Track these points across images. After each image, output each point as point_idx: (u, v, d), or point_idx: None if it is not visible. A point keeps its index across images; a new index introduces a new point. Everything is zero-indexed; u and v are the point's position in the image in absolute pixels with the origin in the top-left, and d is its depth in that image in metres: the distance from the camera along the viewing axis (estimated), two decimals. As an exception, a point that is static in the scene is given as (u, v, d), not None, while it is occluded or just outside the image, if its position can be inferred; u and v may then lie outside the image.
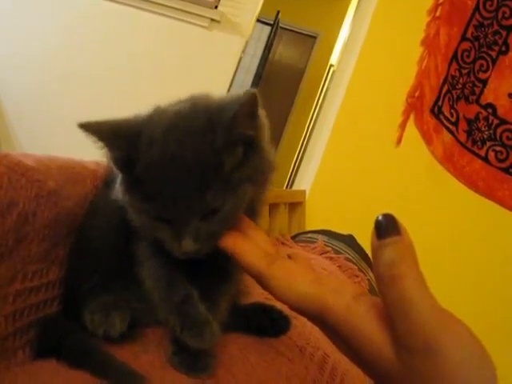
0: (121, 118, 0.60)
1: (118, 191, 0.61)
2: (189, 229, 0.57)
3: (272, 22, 5.51)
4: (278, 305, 0.79)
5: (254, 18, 3.17)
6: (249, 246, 0.56)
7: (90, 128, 0.56)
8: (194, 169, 0.55)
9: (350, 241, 1.79)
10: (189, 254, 0.58)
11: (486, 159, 2.44)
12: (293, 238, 1.92)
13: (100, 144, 0.56)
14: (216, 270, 0.67)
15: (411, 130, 2.51)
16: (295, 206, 2.42)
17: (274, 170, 0.65)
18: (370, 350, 0.44)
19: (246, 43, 3.18)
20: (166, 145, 0.56)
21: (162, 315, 0.61)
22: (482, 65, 2.41)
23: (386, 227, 0.43)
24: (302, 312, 0.51)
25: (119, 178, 0.61)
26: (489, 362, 0.41)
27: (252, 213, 0.65)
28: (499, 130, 2.40)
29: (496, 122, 2.40)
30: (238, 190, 0.58)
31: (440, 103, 2.44)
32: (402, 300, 0.41)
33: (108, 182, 0.71)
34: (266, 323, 0.78)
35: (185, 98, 0.64)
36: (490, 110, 2.42)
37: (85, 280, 0.67)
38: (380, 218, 0.44)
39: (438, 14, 2.41)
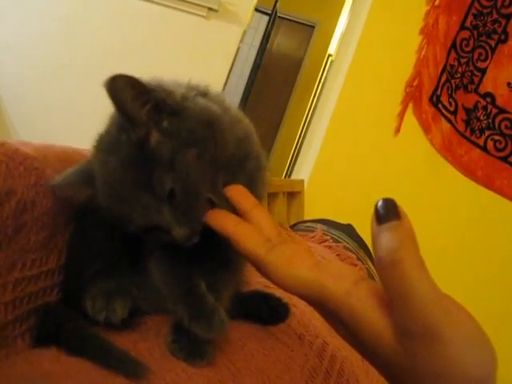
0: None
1: None
2: (165, 218, 0.57)
3: (270, 12, 5.48)
4: (278, 293, 0.79)
5: (252, 8, 3.16)
6: (249, 230, 0.56)
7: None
8: (128, 177, 0.56)
9: (348, 230, 1.79)
10: (187, 239, 0.58)
11: (484, 148, 2.44)
12: (292, 227, 1.92)
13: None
14: (219, 258, 0.68)
15: (410, 119, 2.51)
16: (294, 195, 2.42)
17: (264, 169, 0.68)
18: (370, 335, 0.44)
19: (244, 32, 3.16)
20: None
21: (171, 306, 0.62)
22: (480, 54, 2.41)
23: (386, 212, 0.43)
24: (302, 297, 0.51)
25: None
26: (489, 346, 0.41)
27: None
28: (498, 119, 2.41)
29: (495, 111, 2.40)
30: (175, 164, 0.56)
31: (439, 92, 2.44)
32: (402, 284, 0.41)
33: None
34: (265, 311, 0.78)
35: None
36: (488, 99, 2.41)
37: (86, 266, 0.67)
38: (380, 202, 0.44)
39: (437, 2, 2.40)
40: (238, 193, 0.60)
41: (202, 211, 0.59)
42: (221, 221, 0.57)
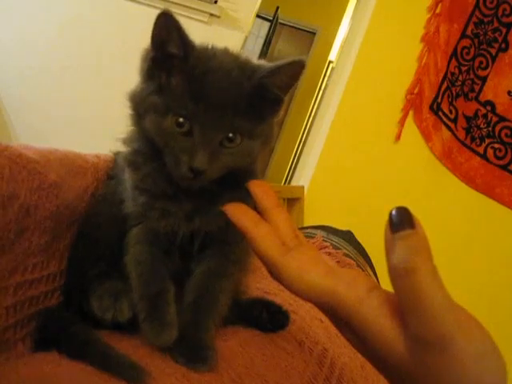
0: None
1: (142, 92, 0.66)
2: (210, 142, 0.61)
3: (271, 18, 5.50)
4: (277, 299, 0.79)
5: (254, 14, 3.16)
6: (266, 232, 0.55)
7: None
8: (234, 91, 0.63)
9: (348, 236, 1.78)
10: (195, 172, 0.61)
11: (484, 156, 2.44)
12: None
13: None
14: (217, 266, 0.69)
15: (410, 126, 2.52)
16: (294, 201, 2.42)
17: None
18: (381, 344, 0.44)
19: (246, 39, 3.17)
20: (217, 61, 0.64)
21: (135, 299, 0.63)
22: (481, 62, 2.42)
23: (401, 220, 0.43)
24: (314, 303, 0.51)
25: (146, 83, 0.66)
26: (500, 358, 0.42)
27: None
28: (498, 128, 2.41)
29: (495, 119, 2.41)
30: (254, 137, 0.65)
31: (439, 100, 2.44)
32: (416, 293, 0.41)
33: (112, 176, 0.77)
34: (265, 318, 0.78)
35: None
36: (489, 108, 2.42)
37: (91, 267, 0.68)
38: (394, 211, 0.43)
39: (438, 10, 2.41)
40: (261, 189, 0.61)
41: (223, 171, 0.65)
42: (241, 216, 0.57)
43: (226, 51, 0.69)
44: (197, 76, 0.62)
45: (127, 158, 0.70)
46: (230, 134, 0.63)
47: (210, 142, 0.61)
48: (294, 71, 0.65)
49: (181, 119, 0.61)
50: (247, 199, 0.60)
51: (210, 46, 0.68)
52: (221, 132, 0.62)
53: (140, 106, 0.65)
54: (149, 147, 0.67)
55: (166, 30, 0.62)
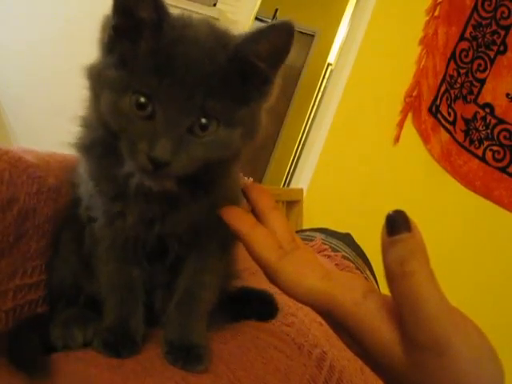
0: None
1: (101, 68, 0.55)
2: (175, 128, 0.52)
3: (270, 20, 5.50)
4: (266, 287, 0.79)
5: (253, 16, 3.17)
6: (263, 235, 0.55)
7: None
8: (207, 65, 0.52)
9: (347, 239, 1.78)
10: (156, 164, 0.51)
11: (483, 159, 2.45)
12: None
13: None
14: (197, 262, 0.67)
15: (409, 128, 2.52)
16: (293, 204, 2.42)
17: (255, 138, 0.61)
18: (378, 347, 0.44)
19: (245, 41, 3.17)
20: (188, 32, 0.54)
21: (104, 307, 0.63)
22: (479, 64, 2.42)
23: (397, 224, 0.43)
24: (311, 306, 0.51)
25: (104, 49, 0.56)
26: (497, 362, 0.42)
27: None
28: (497, 130, 2.41)
29: (494, 121, 2.41)
30: (233, 124, 0.55)
31: (438, 102, 2.45)
32: (412, 297, 0.41)
33: (74, 200, 0.68)
34: (254, 307, 0.78)
35: None
36: (487, 110, 2.42)
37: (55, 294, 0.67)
38: (391, 214, 0.43)
39: (436, 13, 2.41)
40: (257, 193, 0.60)
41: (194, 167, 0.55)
42: (237, 220, 0.56)
43: (204, 21, 0.58)
44: (165, 46, 0.52)
45: (81, 144, 0.62)
46: (203, 120, 0.53)
47: (176, 127, 0.52)
48: (279, 38, 0.54)
49: (142, 99, 0.51)
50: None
51: (186, 15, 0.58)
52: (190, 115, 0.52)
53: (96, 82, 0.56)
54: (106, 134, 0.56)
55: None
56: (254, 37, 0.54)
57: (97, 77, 0.55)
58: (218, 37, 0.55)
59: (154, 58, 0.52)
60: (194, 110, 0.52)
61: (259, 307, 0.78)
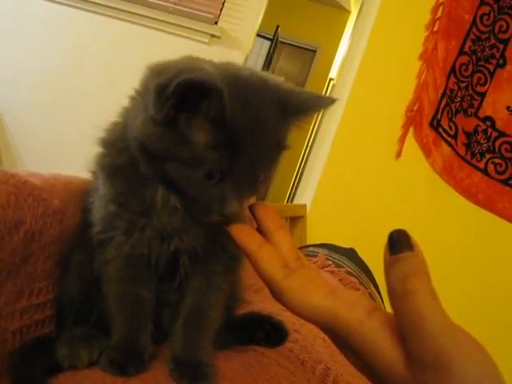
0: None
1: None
2: (241, 194, 0.59)
3: (272, 37, 5.54)
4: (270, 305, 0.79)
5: (254, 33, 3.20)
6: (269, 253, 0.56)
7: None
8: (271, 149, 0.60)
9: (351, 254, 1.79)
10: (226, 216, 0.59)
11: (485, 171, 2.45)
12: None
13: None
14: (204, 281, 0.69)
15: (411, 143, 2.53)
16: (296, 220, 2.42)
17: None
18: (381, 365, 0.44)
19: (247, 58, 3.20)
20: (250, 106, 0.57)
21: (112, 325, 0.64)
22: (479, 78, 2.43)
23: (399, 243, 0.43)
24: (316, 324, 0.51)
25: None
26: (501, 380, 0.42)
27: None
28: (498, 143, 2.42)
29: (495, 134, 2.42)
30: (270, 178, 0.64)
31: (439, 116, 2.46)
32: (415, 315, 0.42)
33: (83, 224, 0.70)
34: (261, 334, 0.78)
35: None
36: (488, 123, 2.43)
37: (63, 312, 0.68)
38: (393, 233, 0.44)
39: (435, 28, 2.43)
40: (264, 211, 0.61)
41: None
42: (245, 238, 0.58)
43: (259, 80, 0.61)
44: (231, 131, 0.55)
45: (107, 167, 0.65)
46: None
47: (243, 193, 0.60)
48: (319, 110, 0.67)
49: (215, 173, 0.57)
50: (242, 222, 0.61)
51: (239, 77, 0.60)
52: (254, 189, 0.61)
53: (159, 152, 0.57)
54: (133, 159, 0.61)
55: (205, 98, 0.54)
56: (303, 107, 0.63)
57: (160, 149, 0.57)
58: (278, 110, 0.60)
59: (218, 135, 0.55)
60: (257, 182, 0.61)
61: (268, 333, 0.78)
